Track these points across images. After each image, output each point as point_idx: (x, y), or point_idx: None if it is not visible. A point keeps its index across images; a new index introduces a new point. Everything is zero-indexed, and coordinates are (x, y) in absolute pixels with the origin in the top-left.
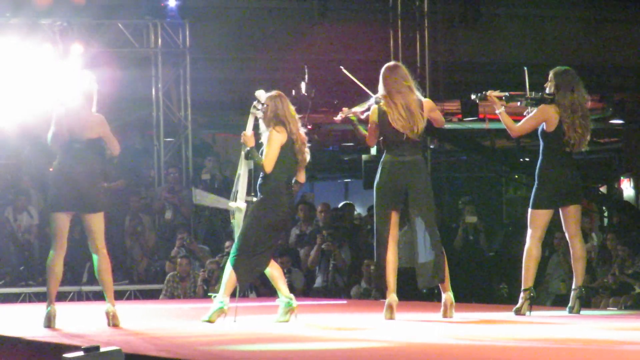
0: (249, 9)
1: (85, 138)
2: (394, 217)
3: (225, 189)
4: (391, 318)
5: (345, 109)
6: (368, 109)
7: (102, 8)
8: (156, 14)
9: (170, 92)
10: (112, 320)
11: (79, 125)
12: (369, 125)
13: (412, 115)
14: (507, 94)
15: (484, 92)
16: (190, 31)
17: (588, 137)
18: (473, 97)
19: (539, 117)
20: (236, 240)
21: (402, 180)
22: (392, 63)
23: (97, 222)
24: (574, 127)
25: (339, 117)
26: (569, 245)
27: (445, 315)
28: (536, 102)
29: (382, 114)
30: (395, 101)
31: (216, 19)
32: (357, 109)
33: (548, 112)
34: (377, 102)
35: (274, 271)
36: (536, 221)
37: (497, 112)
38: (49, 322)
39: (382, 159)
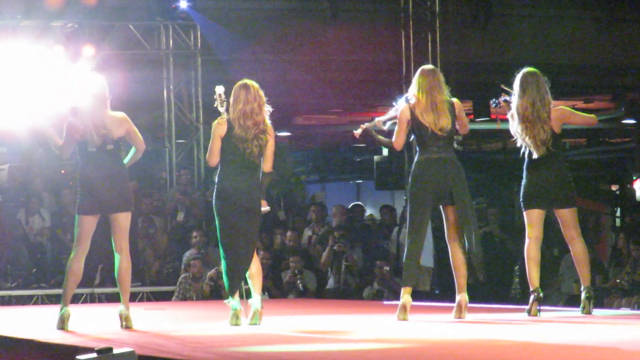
0: (260, 10)
1: (111, 140)
2: (429, 215)
3: None
4: (404, 319)
5: (365, 124)
6: (394, 117)
7: (113, 10)
8: (167, 15)
9: (181, 94)
10: (125, 322)
11: (101, 130)
12: (399, 125)
13: (437, 110)
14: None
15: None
16: (201, 32)
17: (538, 141)
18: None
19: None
20: None
21: (444, 178)
22: (430, 66)
23: (125, 221)
24: (524, 133)
25: (359, 131)
26: (570, 248)
27: (458, 316)
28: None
29: (412, 111)
30: (422, 97)
31: (227, 20)
32: (381, 118)
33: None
34: (407, 101)
35: (252, 268)
36: (529, 221)
37: (508, 114)
38: (62, 323)
39: (416, 160)
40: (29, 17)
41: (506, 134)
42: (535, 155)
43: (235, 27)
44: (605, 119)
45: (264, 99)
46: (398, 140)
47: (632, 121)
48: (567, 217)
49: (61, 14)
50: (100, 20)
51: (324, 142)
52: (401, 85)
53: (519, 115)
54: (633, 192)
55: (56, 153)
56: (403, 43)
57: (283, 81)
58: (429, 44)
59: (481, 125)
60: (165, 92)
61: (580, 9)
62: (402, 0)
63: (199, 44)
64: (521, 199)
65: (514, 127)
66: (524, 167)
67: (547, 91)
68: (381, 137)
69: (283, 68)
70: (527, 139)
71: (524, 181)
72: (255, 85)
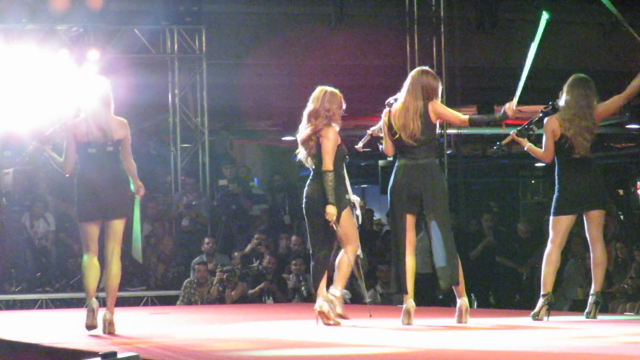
0: (265, 14)
1: (111, 141)
2: (410, 221)
3: (242, 193)
4: (409, 324)
5: (362, 141)
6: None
7: (118, 14)
8: (173, 19)
9: (186, 98)
10: (108, 328)
11: (103, 129)
12: (383, 131)
13: (406, 117)
14: (516, 130)
15: (500, 143)
16: (206, 37)
17: (587, 144)
18: (495, 148)
19: (548, 132)
20: None
21: (416, 184)
22: (422, 68)
23: (120, 228)
24: (573, 133)
25: (359, 146)
26: (590, 250)
27: (459, 321)
28: (543, 120)
29: (390, 116)
30: (399, 104)
31: (233, 24)
32: (374, 127)
33: (552, 123)
34: (387, 105)
35: (339, 261)
36: (557, 227)
37: (525, 149)
38: (92, 317)
39: (396, 164)
40: (33, 20)
41: (510, 145)
42: (568, 160)
43: (241, 31)
44: (610, 124)
45: (331, 105)
46: (385, 146)
47: (636, 126)
48: (595, 218)
49: (66, 17)
50: (105, 24)
51: None
52: None
53: (567, 112)
54: (637, 197)
55: (59, 170)
56: (408, 48)
57: (288, 86)
58: (434, 48)
59: (486, 130)
60: (170, 96)
61: (585, 14)
62: (407, 5)
63: (204, 48)
64: (554, 205)
65: (553, 127)
66: (557, 174)
67: (592, 97)
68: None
69: (288, 72)
70: (575, 140)
71: (557, 188)
72: (329, 89)
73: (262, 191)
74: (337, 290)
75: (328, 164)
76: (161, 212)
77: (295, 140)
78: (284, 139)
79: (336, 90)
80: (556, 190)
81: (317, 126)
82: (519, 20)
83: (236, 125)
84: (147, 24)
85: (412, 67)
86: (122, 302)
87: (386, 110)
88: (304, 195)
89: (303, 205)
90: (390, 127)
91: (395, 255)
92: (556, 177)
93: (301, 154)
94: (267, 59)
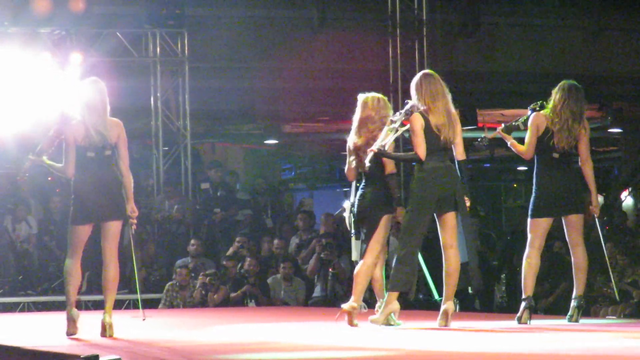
0: (248, 17)
1: (110, 145)
2: (429, 222)
3: (228, 196)
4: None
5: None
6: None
7: (101, 17)
8: (155, 22)
9: (169, 102)
10: (109, 331)
11: (102, 133)
12: (415, 134)
13: (449, 119)
14: (502, 126)
15: (485, 137)
16: (189, 40)
17: (572, 141)
18: (479, 140)
19: (532, 127)
20: None
21: (449, 185)
22: (428, 71)
23: (117, 229)
24: (560, 128)
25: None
26: (571, 254)
27: (443, 324)
28: (528, 119)
29: (426, 117)
30: (438, 104)
31: (215, 27)
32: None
33: (538, 119)
34: (411, 112)
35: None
36: (534, 230)
37: (508, 144)
38: (73, 326)
39: (423, 167)
40: (16, 24)
41: (493, 142)
42: (547, 159)
43: (223, 35)
44: (592, 128)
45: (386, 112)
46: (421, 150)
47: (618, 130)
48: (575, 222)
49: (49, 21)
50: (88, 28)
51: (312, 149)
52: (388, 94)
53: (556, 108)
54: (620, 201)
55: (60, 175)
56: (390, 51)
57: (271, 89)
58: (417, 52)
59: (468, 133)
60: (152, 99)
61: (567, 18)
62: (389, 8)
63: (187, 52)
64: (531, 207)
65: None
66: (535, 174)
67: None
68: (397, 154)
69: (271, 76)
70: (557, 125)
71: (534, 189)
72: (377, 96)
73: (245, 196)
74: (355, 303)
75: (390, 167)
76: (143, 216)
77: (278, 144)
78: (266, 142)
79: (385, 97)
80: (533, 190)
81: (373, 132)
82: (501, 24)
83: (219, 129)
84: (130, 27)
85: (395, 71)
86: (103, 305)
87: (416, 113)
88: (355, 200)
89: (355, 210)
90: (427, 129)
91: (409, 254)
92: (534, 177)
93: (354, 160)
94: (249, 63)
